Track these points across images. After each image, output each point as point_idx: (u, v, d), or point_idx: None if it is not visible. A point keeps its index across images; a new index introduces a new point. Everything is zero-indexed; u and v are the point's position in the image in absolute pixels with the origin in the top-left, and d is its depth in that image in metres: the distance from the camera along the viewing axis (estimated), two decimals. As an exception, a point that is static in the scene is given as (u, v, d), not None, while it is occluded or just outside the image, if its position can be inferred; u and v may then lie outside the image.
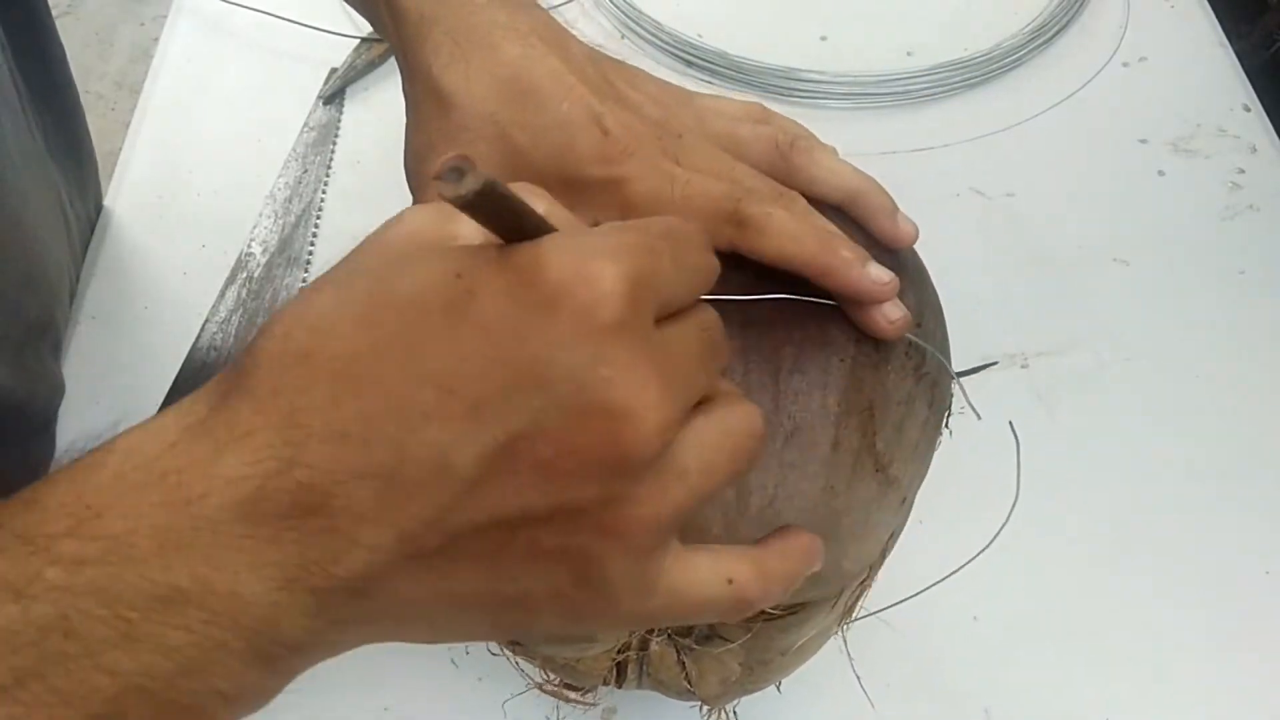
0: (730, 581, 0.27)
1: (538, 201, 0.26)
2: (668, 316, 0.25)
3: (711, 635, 0.40)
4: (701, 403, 0.26)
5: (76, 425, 0.59)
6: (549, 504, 0.23)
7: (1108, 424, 0.62)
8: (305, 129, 0.73)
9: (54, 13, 0.64)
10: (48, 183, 0.61)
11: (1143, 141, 0.76)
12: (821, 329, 0.35)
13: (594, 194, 0.34)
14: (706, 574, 0.27)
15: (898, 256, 0.39)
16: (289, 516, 0.22)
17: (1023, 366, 0.64)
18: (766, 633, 0.39)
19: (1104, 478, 0.60)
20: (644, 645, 0.41)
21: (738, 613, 0.28)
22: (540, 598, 0.25)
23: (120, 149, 0.72)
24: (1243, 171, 0.74)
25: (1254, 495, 0.59)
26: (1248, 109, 0.77)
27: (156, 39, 0.80)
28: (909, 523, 0.45)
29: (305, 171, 0.70)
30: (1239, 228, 0.71)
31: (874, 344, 0.36)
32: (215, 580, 0.22)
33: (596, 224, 0.32)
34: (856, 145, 0.73)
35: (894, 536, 0.41)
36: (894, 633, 0.54)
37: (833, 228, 0.35)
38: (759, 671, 0.43)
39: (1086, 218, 0.71)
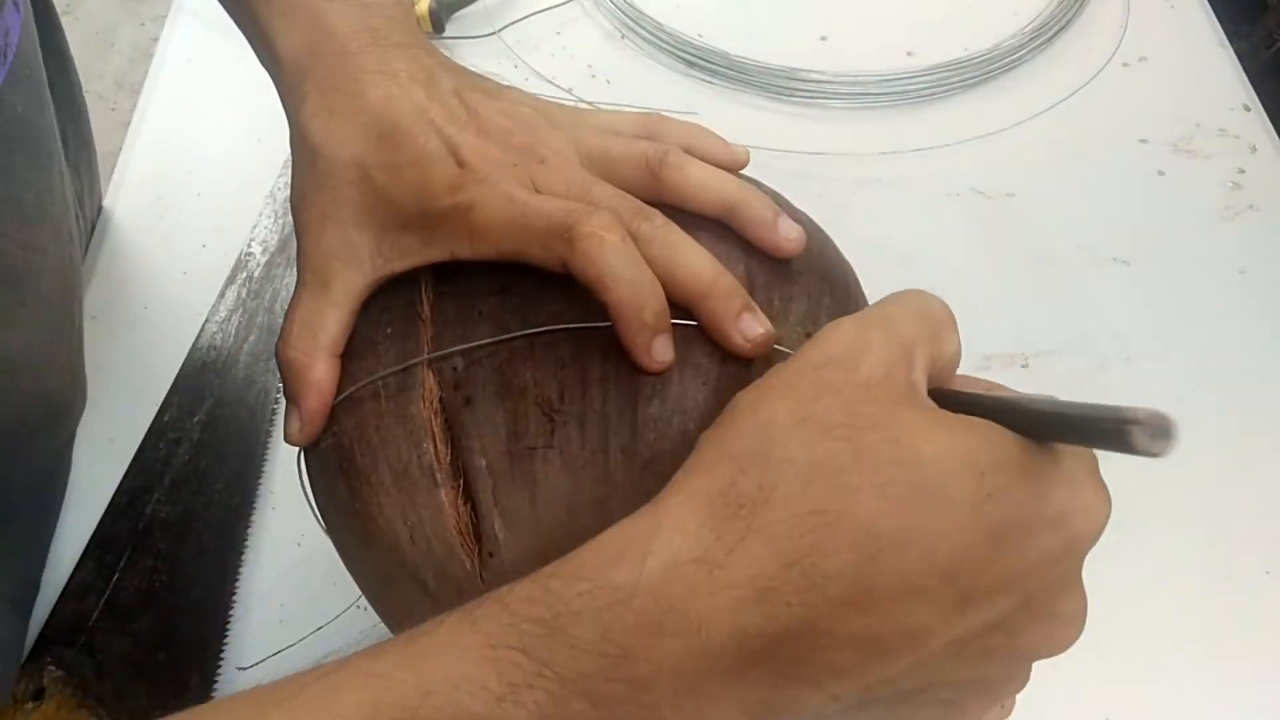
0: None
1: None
2: None
3: None
4: None
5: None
6: (973, 675, 0.26)
7: (1108, 424, 0.62)
8: (305, 129, 0.73)
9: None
10: (68, 198, 0.62)
11: (1143, 141, 0.76)
12: (683, 351, 0.33)
13: (445, 223, 0.34)
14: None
15: (788, 264, 0.38)
16: (780, 664, 0.24)
17: (1023, 366, 0.64)
18: None
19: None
20: None
21: None
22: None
23: (120, 149, 0.72)
24: (1243, 171, 0.74)
25: (1254, 495, 0.59)
26: (1248, 109, 0.77)
27: (156, 39, 0.80)
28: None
29: (305, 171, 0.70)
30: (1239, 228, 0.71)
31: (741, 362, 0.33)
32: (708, 714, 0.24)
33: (452, 256, 0.34)
34: (856, 145, 0.74)
35: None
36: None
37: (685, 249, 0.33)
38: None
39: (1086, 218, 0.71)
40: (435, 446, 0.34)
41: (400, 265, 0.35)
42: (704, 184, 0.36)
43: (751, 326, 0.32)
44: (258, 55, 0.44)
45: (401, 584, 0.35)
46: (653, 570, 0.23)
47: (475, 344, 0.34)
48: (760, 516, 0.24)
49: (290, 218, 0.68)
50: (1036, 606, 0.26)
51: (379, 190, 0.35)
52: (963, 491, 0.24)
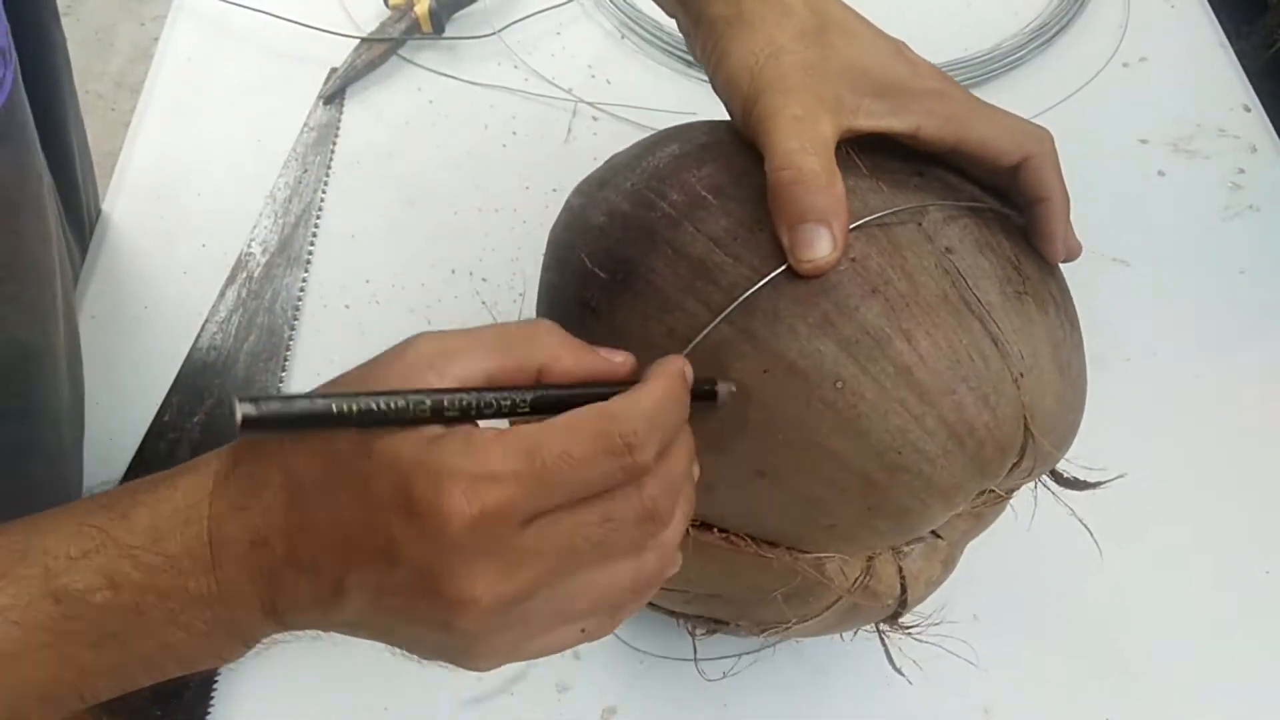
0: (583, 631, 0.34)
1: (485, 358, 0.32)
2: (559, 509, 0.31)
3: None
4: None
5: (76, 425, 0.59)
6: (408, 634, 0.33)
7: (1107, 423, 0.62)
8: (305, 129, 0.73)
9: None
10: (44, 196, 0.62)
11: (1143, 141, 0.76)
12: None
13: (924, 100, 0.42)
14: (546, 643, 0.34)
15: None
16: (265, 571, 0.32)
17: (1023, 366, 0.64)
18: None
19: (1103, 477, 0.60)
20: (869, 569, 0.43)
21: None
22: (422, 648, 0.34)
23: (120, 149, 0.72)
24: (1243, 171, 0.74)
25: (1254, 495, 0.60)
26: (1248, 109, 0.77)
27: (156, 39, 0.80)
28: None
29: (305, 171, 0.70)
30: (1239, 228, 0.71)
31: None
32: (226, 595, 0.32)
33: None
34: (856, 145, 0.74)
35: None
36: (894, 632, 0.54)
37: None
38: (950, 565, 0.47)
39: (1086, 218, 0.71)
40: (951, 280, 0.38)
41: (865, 124, 0.40)
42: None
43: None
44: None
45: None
46: (182, 486, 0.33)
47: (965, 204, 0.41)
48: (247, 455, 0.33)
49: (290, 218, 0.69)
50: (422, 580, 0.30)
51: (861, 53, 0.42)
52: (356, 466, 0.31)
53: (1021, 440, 0.39)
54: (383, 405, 0.30)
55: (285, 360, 0.61)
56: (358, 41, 0.76)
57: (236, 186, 0.70)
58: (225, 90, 0.76)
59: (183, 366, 0.61)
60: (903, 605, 0.44)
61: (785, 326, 0.36)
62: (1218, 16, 0.83)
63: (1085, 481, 0.47)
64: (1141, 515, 0.59)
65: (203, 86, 0.76)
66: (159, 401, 0.59)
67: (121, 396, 0.60)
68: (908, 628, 0.46)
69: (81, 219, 0.68)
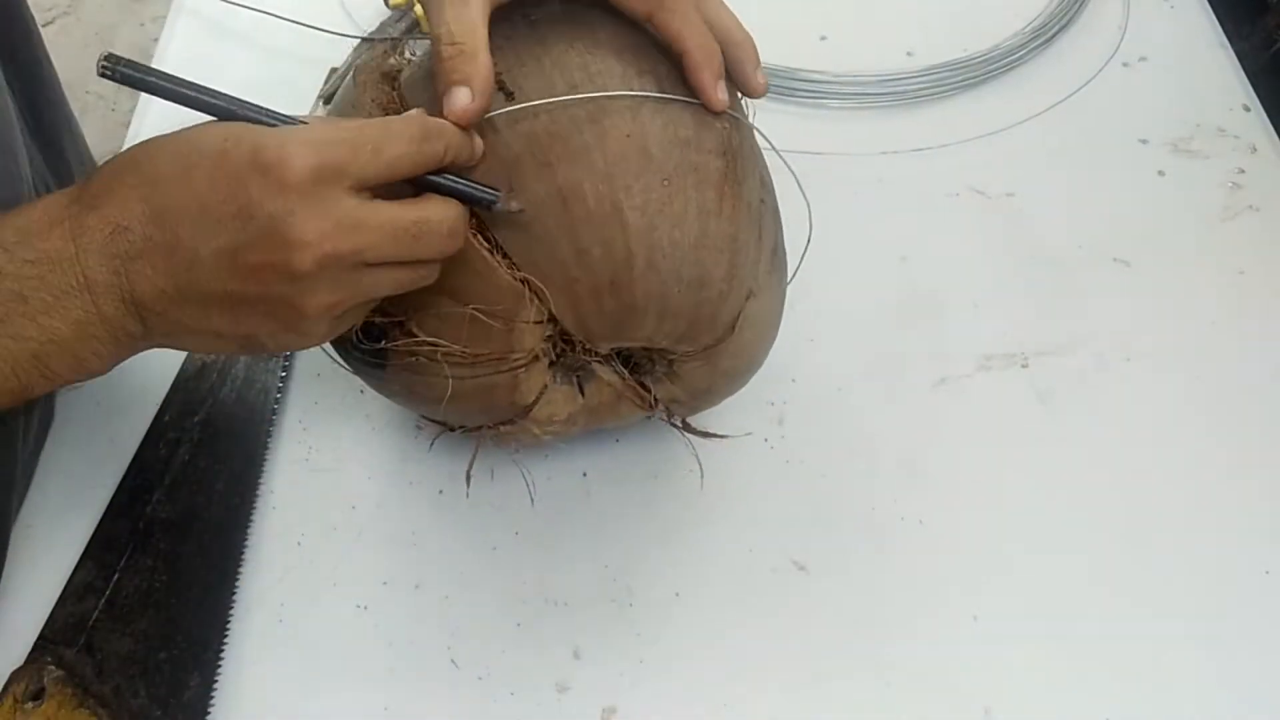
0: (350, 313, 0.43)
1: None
2: (387, 196, 0.40)
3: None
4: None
5: (78, 424, 0.59)
6: (256, 290, 0.39)
7: (1107, 423, 0.62)
8: (305, 129, 0.73)
9: (53, 14, 0.64)
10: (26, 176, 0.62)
11: (1143, 141, 0.76)
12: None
13: None
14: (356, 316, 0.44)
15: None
16: (124, 258, 0.39)
17: (1023, 366, 0.64)
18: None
19: (1104, 477, 0.60)
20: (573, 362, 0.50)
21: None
22: (264, 335, 0.41)
23: (120, 149, 0.72)
24: (1243, 171, 0.74)
25: (1254, 495, 0.59)
26: (1248, 109, 0.77)
27: (156, 39, 0.80)
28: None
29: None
30: (1239, 228, 0.71)
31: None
32: (93, 285, 0.39)
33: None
34: (856, 145, 0.74)
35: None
36: (895, 631, 0.54)
37: (727, 14, 0.49)
38: (571, 425, 0.51)
39: (1086, 218, 0.71)
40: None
41: None
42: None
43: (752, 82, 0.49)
44: None
45: None
46: (46, 199, 0.40)
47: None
48: (104, 167, 0.40)
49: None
50: (270, 232, 0.38)
51: None
52: (210, 149, 0.38)
53: (645, 300, 0.45)
54: (232, 108, 0.40)
55: (285, 360, 0.61)
56: (358, 41, 0.76)
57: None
58: (225, 90, 0.76)
59: (183, 366, 0.60)
60: (519, 415, 0.49)
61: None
62: (1218, 16, 0.83)
63: (705, 431, 0.55)
64: (1141, 515, 0.59)
65: (203, 86, 0.76)
66: (159, 401, 0.59)
67: (121, 397, 0.60)
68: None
69: None
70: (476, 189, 0.43)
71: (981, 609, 0.55)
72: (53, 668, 0.49)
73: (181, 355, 0.61)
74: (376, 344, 0.47)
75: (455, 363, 0.46)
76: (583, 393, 0.50)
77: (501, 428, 0.50)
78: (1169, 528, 0.58)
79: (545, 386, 0.49)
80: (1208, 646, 0.54)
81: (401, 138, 0.40)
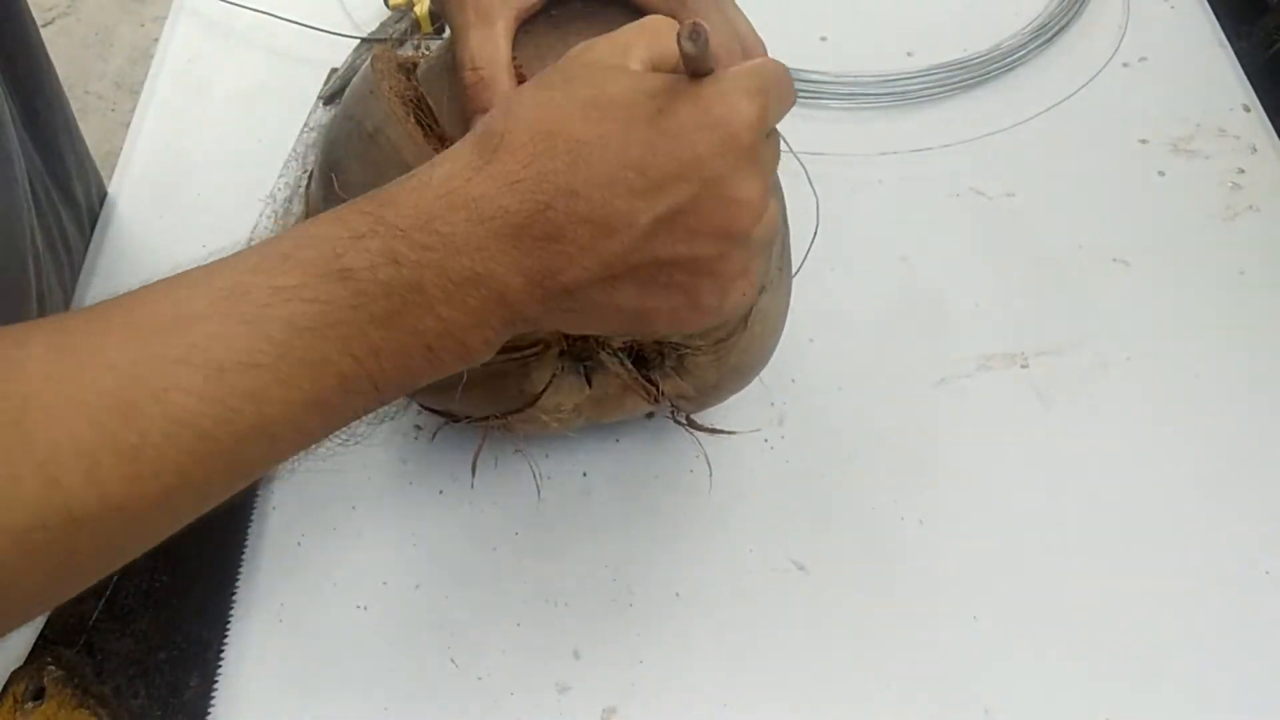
0: (744, 294, 0.40)
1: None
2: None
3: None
4: None
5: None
6: (688, 254, 0.36)
7: (1108, 423, 0.62)
8: (305, 129, 0.73)
9: (53, 14, 0.64)
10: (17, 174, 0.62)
11: (1143, 141, 0.76)
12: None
13: None
14: (739, 299, 0.39)
15: None
16: (541, 239, 0.35)
17: (1023, 366, 0.64)
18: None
19: (1104, 477, 0.60)
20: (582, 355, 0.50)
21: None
22: (664, 311, 0.38)
23: (120, 150, 0.72)
24: (1243, 171, 0.74)
25: (1254, 495, 0.59)
26: (1248, 109, 0.77)
27: (156, 39, 0.80)
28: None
29: (305, 171, 0.70)
30: (1239, 228, 0.71)
31: None
32: (496, 271, 0.35)
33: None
34: (856, 145, 0.74)
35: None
36: (895, 631, 0.54)
37: None
38: (578, 415, 0.52)
39: (1086, 218, 0.71)
40: None
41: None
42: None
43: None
44: None
45: None
46: (439, 174, 0.35)
47: None
48: (506, 140, 0.35)
49: (290, 218, 0.69)
50: (716, 191, 0.35)
51: None
52: (641, 109, 0.35)
53: None
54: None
55: (285, 360, 0.61)
56: (358, 41, 0.76)
57: (236, 186, 0.70)
58: (225, 90, 0.76)
59: (183, 366, 0.61)
60: (528, 404, 0.49)
61: None
62: (1218, 16, 0.83)
63: (709, 427, 0.55)
64: (1141, 515, 0.59)
65: (203, 87, 0.76)
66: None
67: (121, 397, 0.60)
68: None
69: (78, 201, 0.68)
70: None
71: (981, 609, 0.55)
72: (53, 667, 0.49)
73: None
74: None
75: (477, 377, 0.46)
76: (590, 384, 0.51)
77: (509, 417, 0.50)
78: (1168, 528, 0.58)
79: (554, 376, 0.49)
80: (1208, 647, 0.54)
81: (782, 79, 0.38)
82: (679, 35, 0.34)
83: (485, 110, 0.43)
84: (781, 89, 0.38)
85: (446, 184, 0.35)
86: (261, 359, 0.32)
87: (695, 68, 0.36)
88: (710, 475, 0.58)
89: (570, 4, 0.49)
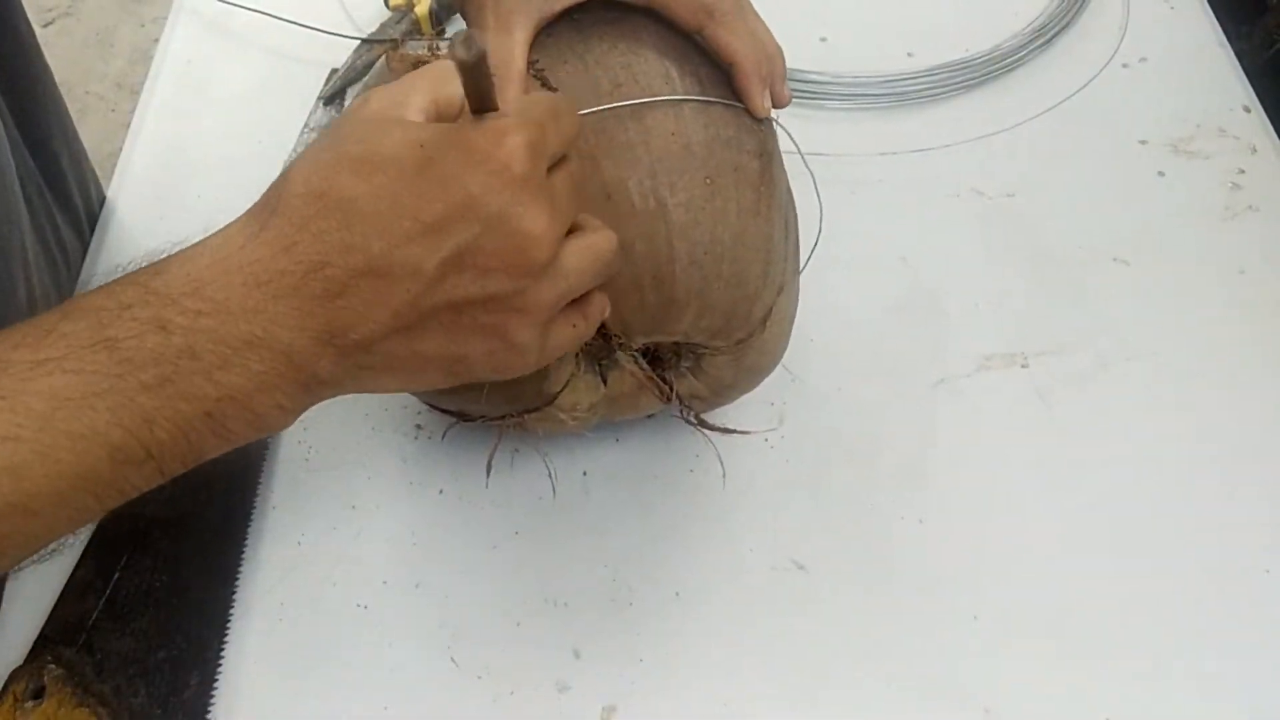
0: (574, 326, 0.41)
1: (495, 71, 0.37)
2: (553, 166, 0.37)
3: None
4: (573, 229, 0.39)
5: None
6: (483, 294, 0.36)
7: (1108, 423, 0.62)
8: (305, 129, 0.73)
9: (53, 14, 0.64)
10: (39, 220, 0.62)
11: (1143, 142, 0.76)
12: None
13: None
14: (567, 333, 0.40)
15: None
16: (323, 297, 0.34)
17: (1023, 366, 0.64)
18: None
19: (1104, 477, 0.60)
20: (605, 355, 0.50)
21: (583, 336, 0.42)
22: (477, 355, 0.38)
23: (120, 150, 0.72)
24: (1243, 172, 0.74)
25: (1253, 494, 0.59)
26: (1248, 109, 0.77)
27: (156, 40, 0.80)
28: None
29: (305, 172, 0.70)
30: (1239, 228, 0.71)
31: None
32: (278, 334, 0.34)
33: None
34: (856, 145, 0.74)
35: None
36: (894, 631, 0.54)
37: (762, 28, 0.50)
38: (593, 414, 0.52)
39: (1086, 218, 0.71)
40: None
41: (560, 4, 0.48)
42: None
43: (782, 94, 0.49)
44: None
45: None
46: (213, 243, 0.36)
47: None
48: (280, 205, 0.35)
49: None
50: (500, 227, 0.35)
51: None
52: (410, 158, 0.35)
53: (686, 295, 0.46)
54: None
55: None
56: (358, 42, 0.76)
57: (236, 187, 0.69)
58: (225, 90, 0.76)
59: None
60: (546, 403, 0.49)
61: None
62: (1218, 16, 0.83)
63: (719, 426, 0.55)
64: (1141, 515, 0.59)
65: (203, 87, 0.76)
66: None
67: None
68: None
69: (74, 205, 0.68)
70: None
71: (981, 609, 0.55)
72: (53, 666, 0.49)
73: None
74: None
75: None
76: (605, 382, 0.51)
77: (526, 416, 0.50)
78: (1169, 527, 0.58)
79: (571, 375, 0.49)
80: (1208, 647, 0.54)
81: (558, 111, 0.38)
82: (453, 42, 0.33)
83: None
84: (560, 119, 0.38)
85: (219, 251, 0.35)
86: (21, 432, 0.31)
87: (476, 90, 0.36)
88: (723, 474, 0.58)
89: (594, 8, 0.49)
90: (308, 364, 0.35)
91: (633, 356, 0.50)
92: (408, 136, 0.35)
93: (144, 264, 0.36)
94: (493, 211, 0.35)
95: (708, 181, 0.45)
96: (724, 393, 0.53)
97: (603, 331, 0.48)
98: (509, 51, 0.45)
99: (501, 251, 0.35)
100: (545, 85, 0.46)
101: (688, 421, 0.54)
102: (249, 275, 0.34)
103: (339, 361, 0.35)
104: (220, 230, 0.36)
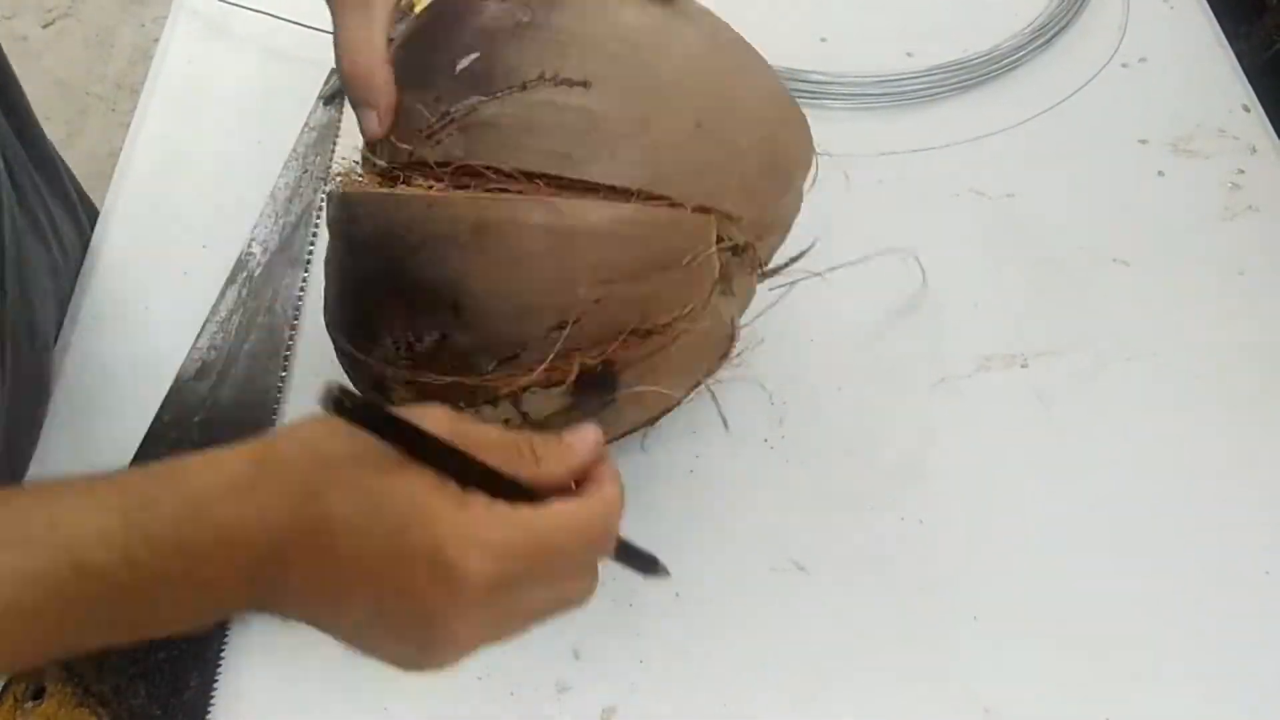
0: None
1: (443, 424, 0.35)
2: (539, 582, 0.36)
3: None
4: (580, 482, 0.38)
5: (78, 425, 0.59)
6: (378, 645, 0.36)
7: (1108, 423, 0.62)
8: (305, 129, 0.73)
9: (54, 14, 0.64)
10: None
11: (1143, 142, 0.76)
12: None
13: None
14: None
15: None
16: (269, 584, 0.35)
17: (1023, 366, 0.64)
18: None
19: (1104, 477, 0.60)
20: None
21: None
22: (378, 655, 0.37)
23: (120, 150, 0.72)
24: (1243, 172, 0.74)
25: (1254, 495, 0.59)
26: (1248, 109, 0.77)
27: (156, 40, 0.80)
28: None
29: (305, 171, 0.70)
30: (1239, 228, 0.71)
31: None
32: (226, 591, 0.35)
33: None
34: (856, 145, 0.74)
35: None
36: (894, 631, 0.54)
37: None
38: (733, 335, 0.52)
39: (1086, 218, 0.71)
40: None
41: None
42: None
43: None
44: None
45: None
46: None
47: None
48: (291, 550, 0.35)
49: (290, 218, 0.69)
50: (429, 626, 0.35)
51: None
52: (388, 541, 0.34)
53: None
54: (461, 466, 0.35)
55: (285, 360, 0.61)
56: (358, 42, 0.76)
57: (236, 186, 0.70)
58: (225, 90, 0.76)
59: (183, 366, 0.61)
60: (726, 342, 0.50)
61: None
62: (1217, 16, 0.83)
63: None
64: (1141, 515, 0.59)
65: (203, 87, 0.76)
66: (160, 401, 0.59)
67: (122, 396, 0.60)
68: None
69: (70, 199, 0.68)
70: (648, 562, 0.43)
71: (981, 609, 0.55)
72: (53, 666, 0.49)
73: (181, 355, 0.61)
74: (612, 391, 0.47)
75: (685, 331, 0.46)
76: (733, 292, 0.51)
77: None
78: (1169, 528, 0.58)
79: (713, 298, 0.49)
80: (1208, 647, 0.54)
81: (582, 544, 0.37)
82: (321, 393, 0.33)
83: (368, 104, 0.45)
84: (556, 566, 0.36)
85: (203, 496, 0.35)
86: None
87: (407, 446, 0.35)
88: (706, 476, 0.58)
89: None
90: (233, 611, 0.41)
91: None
92: (406, 500, 0.35)
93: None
94: (426, 604, 0.34)
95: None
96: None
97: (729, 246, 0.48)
98: (367, 30, 0.46)
99: (411, 631, 0.35)
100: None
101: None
102: (224, 532, 0.34)
103: (256, 612, 0.37)
104: (218, 460, 0.36)
